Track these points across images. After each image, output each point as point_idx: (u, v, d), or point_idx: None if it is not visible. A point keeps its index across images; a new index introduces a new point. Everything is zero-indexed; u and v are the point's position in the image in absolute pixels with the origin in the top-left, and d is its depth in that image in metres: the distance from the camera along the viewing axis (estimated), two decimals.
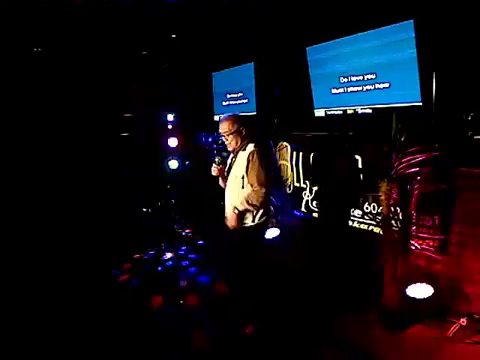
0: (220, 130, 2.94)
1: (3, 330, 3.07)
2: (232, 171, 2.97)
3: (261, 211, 2.88)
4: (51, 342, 2.94)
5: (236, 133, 2.89)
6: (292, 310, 3.25)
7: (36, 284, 3.81)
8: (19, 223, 5.01)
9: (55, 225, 5.14)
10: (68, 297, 3.58)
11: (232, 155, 3.05)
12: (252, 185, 2.80)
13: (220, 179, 3.14)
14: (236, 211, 2.82)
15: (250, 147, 2.88)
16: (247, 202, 2.78)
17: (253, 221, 2.89)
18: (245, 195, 2.81)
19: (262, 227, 2.99)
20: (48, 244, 4.67)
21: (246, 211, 2.84)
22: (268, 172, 2.85)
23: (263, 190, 2.76)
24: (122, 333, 3.07)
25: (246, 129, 2.93)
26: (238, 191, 2.88)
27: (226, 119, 2.93)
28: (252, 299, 2.96)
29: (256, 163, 2.78)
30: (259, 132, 3.84)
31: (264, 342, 2.87)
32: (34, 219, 5.15)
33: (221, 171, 3.07)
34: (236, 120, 2.92)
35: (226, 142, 2.95)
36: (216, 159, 3.05)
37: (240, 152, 2.93)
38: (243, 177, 2.85)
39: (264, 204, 2.85)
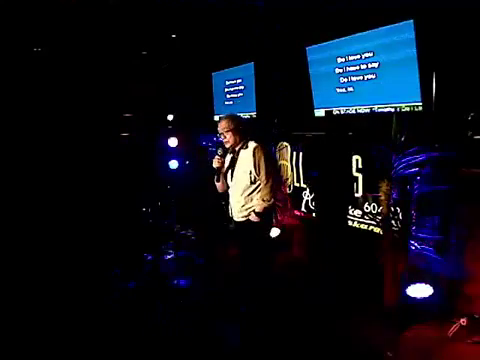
0: (218, 128, 3.08)
1: (3, 330, 3.07)
2: (237, 168, 3.07)
3: (271, 201, 3.02)
4: (50, 342, 2.94)
5: (234, 130, 3.02)
6: (292, 310, 3.25)
7: (35, 284, 3.81)
8: (18, 221, 5.01)
9: (55, 225, 5.14)
10: (67, 297, 3.58)
11: (231, 154, 3.13)
12: (261, 179, 2.97)
13: (219, 176, 3.16)
14: (255, 215, 2.97)
15: (252, 144, 3.02)
16: (263, 200, 2.96)
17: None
18: (259, 195, 2.98)
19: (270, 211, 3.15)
20: (47, 244, 4.67)
21: (265, 210, 2.97)
22: (273, 164, 3.14)
23: (270, 182, 2.95)
24: (121, 334, 3.07)
25: (244, 128, 3.06)
26: (246, 185, 3.01)
27: (224, 117, 3.11)
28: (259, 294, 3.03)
29: (262, 157, 2.96)
30: (259, 133, 3.86)
31: (266, 342, 2.88)
32: (33, 218, 5.15)
33: (222, 164, 3.13)
34: (234, 118, 3.10)
35: (224, 140, 3.07)
36: (218, 151, 3.12)
37: (242, 150, 3.06)
38: (251, 172, 2.97)
39: (274, 194, 3.05)
